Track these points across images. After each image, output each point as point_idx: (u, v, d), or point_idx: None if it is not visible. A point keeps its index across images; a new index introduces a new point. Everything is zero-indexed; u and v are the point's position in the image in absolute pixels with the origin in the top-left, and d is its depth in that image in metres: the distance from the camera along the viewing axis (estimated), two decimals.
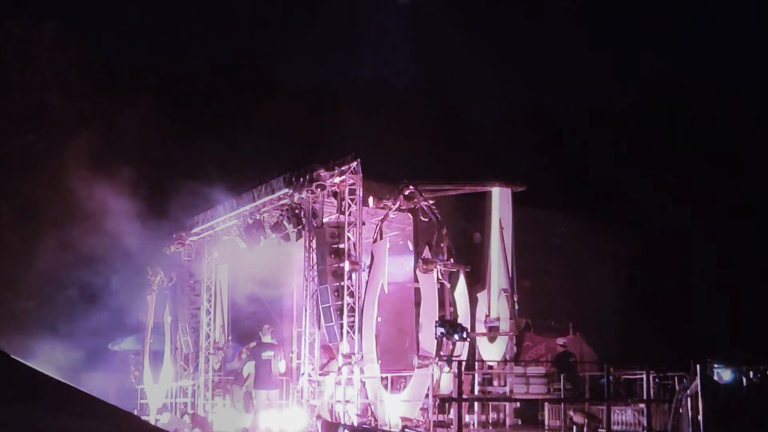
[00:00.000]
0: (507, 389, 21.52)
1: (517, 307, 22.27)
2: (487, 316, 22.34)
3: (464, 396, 19.08)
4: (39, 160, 34.41)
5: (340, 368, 21.09)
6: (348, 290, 21.27)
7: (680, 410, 16.64)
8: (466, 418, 20.43)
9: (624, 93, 40.21)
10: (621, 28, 42.23)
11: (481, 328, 22.36)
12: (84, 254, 30.04)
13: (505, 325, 22.10)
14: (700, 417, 15.90)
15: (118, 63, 38.91)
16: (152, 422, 26.30)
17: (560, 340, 24.98)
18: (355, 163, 21.50)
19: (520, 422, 21.71)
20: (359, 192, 21.58)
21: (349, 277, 21.35)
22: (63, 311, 32.38)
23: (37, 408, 7.37)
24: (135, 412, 27.84)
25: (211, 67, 41.40)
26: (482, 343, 22.30)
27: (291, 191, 22.62)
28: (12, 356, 7.83)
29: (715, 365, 17.03)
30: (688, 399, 16.34)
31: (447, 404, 20.15)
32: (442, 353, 20.08)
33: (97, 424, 7.61)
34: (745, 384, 18.09)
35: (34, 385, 7.49)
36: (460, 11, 42.59)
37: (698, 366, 15.98)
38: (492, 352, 22.09)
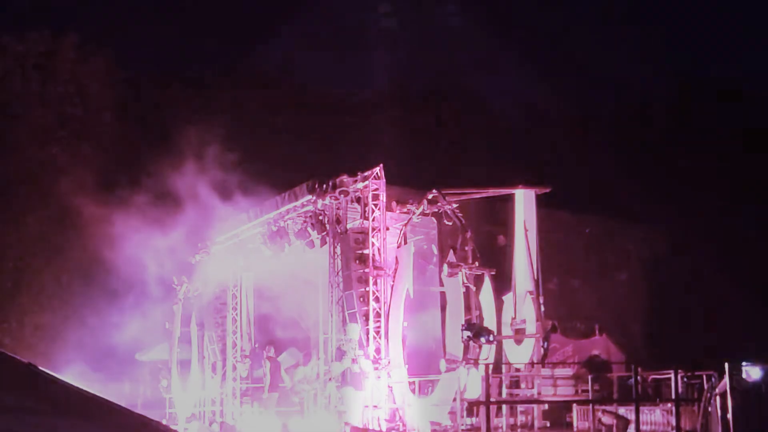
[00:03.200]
0: (535, 391, 21.46)
1: (543, 309, 22.20)
2: (513, 318, 22.29)
3: (492, 399, 19.04)
4: (63, 172, 34.56)
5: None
6: (373, 295, 21.25)
7: (709, 409, 16.55)
8: (495, 421, 20.37)
9: (649, 91, 40.01)
10: (649, 22, 41.96)
11: (507, 330, 22.31)
12: (109, 265, 30.16)
13: (531, 328, 22.04)
14: (729, 415, 15.80)
15: (141, 74, 39.06)
16: (181, 431, 26.40)
17: (595, 351, 25.00)
18: (377, 169, 21.48)
19: (548, 424, 21.62)
20: (382, 197, 21.54)
21: (375, 283, 21.33)
22: (89, 322, 32.50)
23: (66, 419, 7.39)
24: (164, 422, 27.93)
25: (233, 77, 41.51)
26: (509, 345, 22.25)
27: (314, 198, 22.62)
28: (40, 368, 7.86)
29: (744, 363, 16.88)
30: (717, 398, 16.25)
31: (475, 407, 20.10)
32: (469, 356, 20.04)
33: None
34: None
35: (63, 397, 7.51)
36: (479, 13, 42.63)
37: (726, 364, 15.88)
38: (519, 354, 22.04)
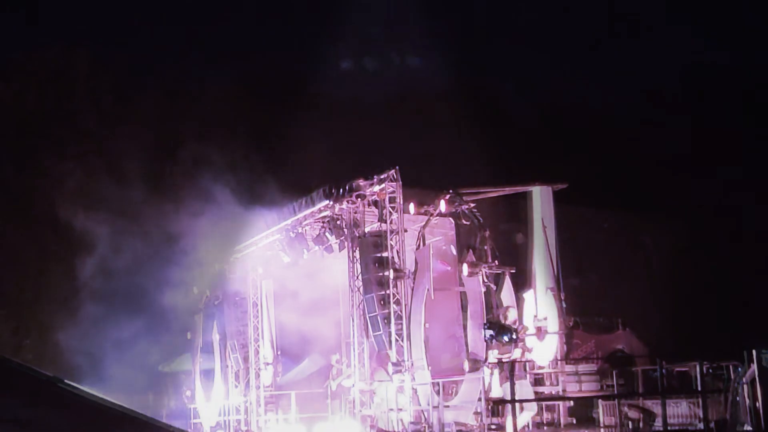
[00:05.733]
0: (559, 388, 21.39)
1: (564, 305, 22.13)
2: (535, 316, 22.22)
3: (517, 397, 18.97)
4: (79, 187, 34.67)
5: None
6: (394, 298, 21.23)
7: (737, 399, 16.44)
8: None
9: (663, 80, 39.75)
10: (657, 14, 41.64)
11: (529, 328, 22.24)
12: (129, 278, 30.25)
13: (553, 324, 21.97)
14: (758, 404, 15.68)
15: (155, 85, 39.14)
16: None
17: (618, 346, 24.92)
18: (393, 171, 21.48)
19: (574, 421, 21.53)
20: (399, 200, 21.53)
21: (395, 285, 21.32)
22: (111, 335, 32.57)
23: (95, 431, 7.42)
24: None
25: (247, 84, 41.52)
26: (531, 343, 22.17)
27: (331, 203, 22.65)
28: (64, 381, 7.87)
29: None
30: (744, 387, 16.15)
31: (500, 407, 20.04)
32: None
33: None
34: None
35: (89, 410, 7.51)
36: (492, 12, 42.60)
37: (753, 352, 15.75)
38: (542, 351, 21.97)
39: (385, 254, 21.39)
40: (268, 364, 27.77)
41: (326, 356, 26.87)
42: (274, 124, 39.34)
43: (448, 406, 20.33)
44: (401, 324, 21.20)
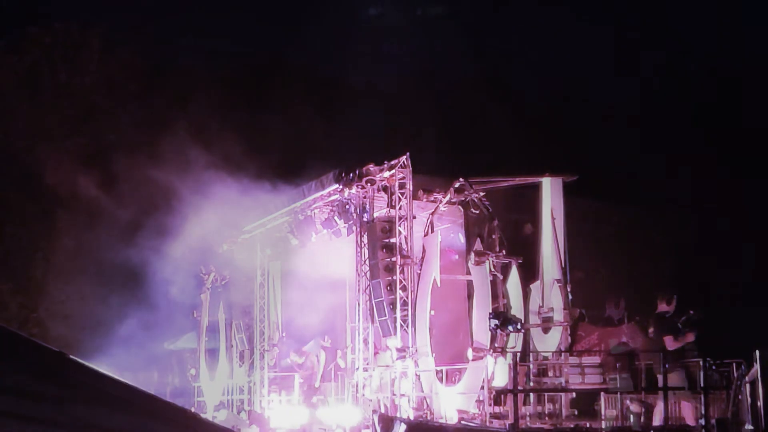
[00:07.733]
0: (562, 380, 21.40)
1: (570, 297, 22.12)
2: (541, 307, 22.23)
3: (519, 387, 19.01)
4: (91, 162, 34.76)
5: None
6: (400, 284, 21.29)
7: (739, 397, 16.44)
8: (522, 409, 20.34)
9: (675, 75, 39.64)
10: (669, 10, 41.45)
11: (534, 319, 22.26)
12: (138, 254, 30.34)
13: (558, 316, 21.98)
14: (759, 403, 15.68)
15: (167, 63, 39.14)
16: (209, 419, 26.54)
17: (622, 339, 24.92)
18: (404, 158, 21.52)
19: (576, 413, 21.56)
20: (409, 186, 21.58)
21: (401, 271, 21.37)
22: (117, 312, 32.71)
23: (104, 407, 7.44)
24: (192, 410, 28.07)
25: (257, 66, 41.55)
26: (536, 334, 22.21)
27: (341, 187, 22.68)
28: (70, 356, 7.91)
29: None
30: (747, 385, 16.14)
31: (502, 396, 20.10)
32: (496, 345, 20.03)
33: (162, 424, 7.68)
34: None
35: (98, 385, 7.55)
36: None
37: (757, 351, 15.74)
38: (546, 342, 21.98)
39: (393, 240, 21.44)
40: (273, 345, 27.87)
41: (331, 340, 26.99)
42: (285, 107, 39.36)
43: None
44: (407, 310, 21.26)
